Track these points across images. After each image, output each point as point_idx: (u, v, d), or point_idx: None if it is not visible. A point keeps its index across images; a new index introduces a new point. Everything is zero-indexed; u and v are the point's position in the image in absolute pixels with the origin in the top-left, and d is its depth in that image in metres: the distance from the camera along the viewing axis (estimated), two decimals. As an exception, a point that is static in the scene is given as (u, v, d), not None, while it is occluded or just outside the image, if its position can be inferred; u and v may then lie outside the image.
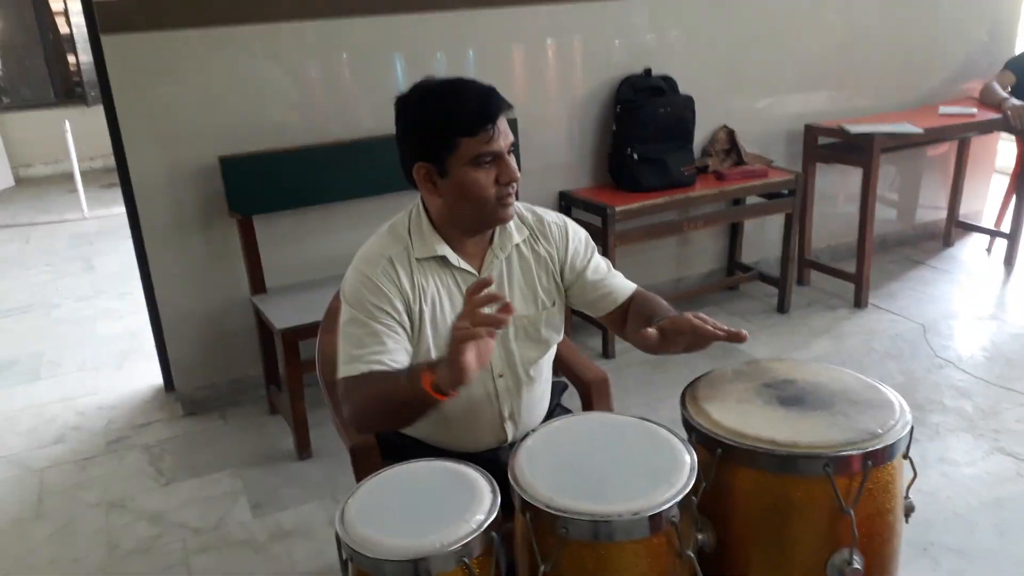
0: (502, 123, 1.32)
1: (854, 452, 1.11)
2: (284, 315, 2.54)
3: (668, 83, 3.18)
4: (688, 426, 1.24)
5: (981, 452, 2.47)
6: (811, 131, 3.58)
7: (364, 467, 1.48)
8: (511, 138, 1.34)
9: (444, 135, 1.30)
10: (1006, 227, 3.99)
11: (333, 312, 1.69)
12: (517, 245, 1.47)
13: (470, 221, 1.39)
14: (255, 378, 2.96)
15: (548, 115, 3.18)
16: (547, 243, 1.50)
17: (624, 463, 1.15)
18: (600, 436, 1.21)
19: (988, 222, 4.32)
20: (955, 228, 4.30)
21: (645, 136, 3.08)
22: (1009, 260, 3.95)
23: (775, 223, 3.60)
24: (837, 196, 3.93)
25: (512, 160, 1.34)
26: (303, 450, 2.62)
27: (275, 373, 2.84)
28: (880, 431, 1.14)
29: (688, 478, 1.09)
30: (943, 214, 4.30)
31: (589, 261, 1.53)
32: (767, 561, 1.19)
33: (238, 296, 2.84)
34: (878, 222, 3.59)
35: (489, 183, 1.32)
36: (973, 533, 2.12)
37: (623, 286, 1.54)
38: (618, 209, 2.97)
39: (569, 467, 1.14)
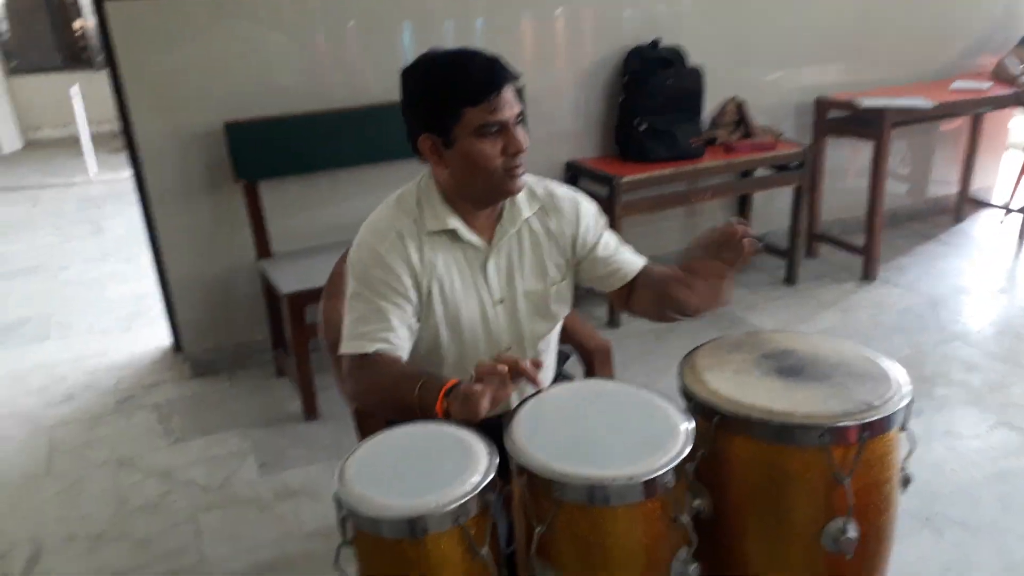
0: (508, 92, 1.29)
1: (850, 423, 1.12)
2: (290, 280, 2.55)
3: (677, 54, 3.14)
4: (686, 394, 1.24)
5: (987, 425, 2.48)
6: (822, 104, 3.54)
7: (368, 430, 1.50)
8: (518, 108, 1.31)
9: (448, 105, 1.28)
10: (1020, 203, 3.95)
11: (337, 277, 1.70)
12: (527, 220, 1.45)
13: (478, 193, 1.37)
14: (262, 341, 2.98)
15: (556, 84, 3.15)
16: (558, 218, 1.48)
17: (621, 429, 1.16)
18: (598, 403, 1.22)
19: (1000, 198, 4.28)
20: (967, 203, 4.26)
21: (653, 107, 3.06)
22: (1022, 235, 3.92)
23: (784, 196, 3.57)
24: (848, 170, 3.89)
25: (520, 130, 1.31)
26: (310, 412, 2.65)
27: (281, 337, 2.87)
28: (877, 403, 1.15)
29: (684, 445, 1.10)
30: (955, 189, 4.26)
31: (600, 238, 1.51)
32: (763, 529, 1.21)
33: (245, 261, 2.86)
34: (889, 196, 3.56)
35: (495, 154, 1.30)
36: (976, 506, 2.13)
37: (631, 262, 1.52)
38: (625, 180, 2.95)
39: (565, 432, 1.15)
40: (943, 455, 2.33)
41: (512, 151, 1.31)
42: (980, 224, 4.21)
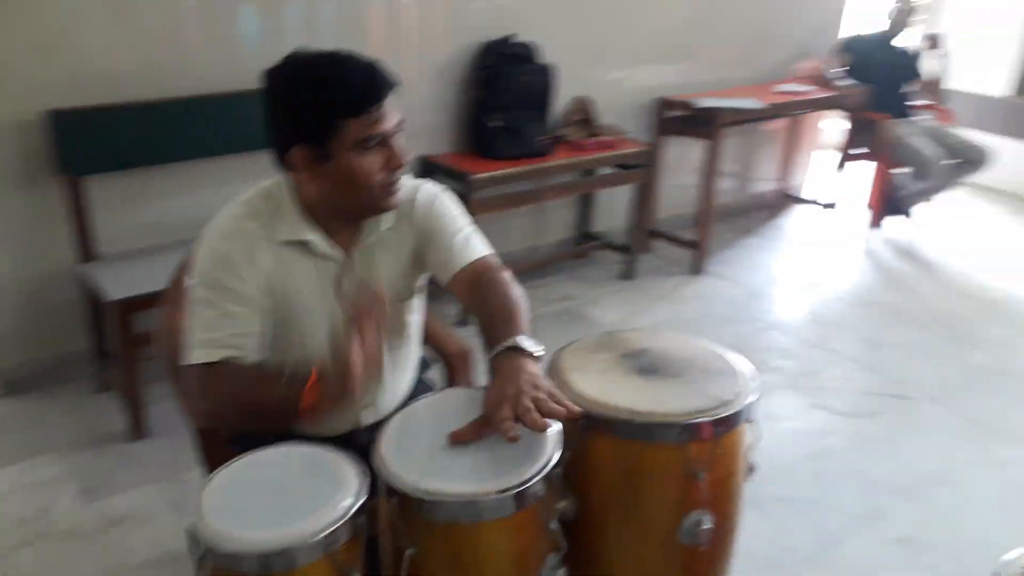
0: (389, 101, 1.22)
1: (705, 420, 1.18)
2: (118, 285, 2.34)
3: (530, 50, 3.17)
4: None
5: (802, 408, 2.71)
6: (662, 104, 3.71)
7: (208, 449, 1.40)
8: (399, 117, 1.25)
9: (326, 117, 1.19)
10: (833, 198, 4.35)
11: (178, 283, 1.57)
12: (387, 230, 1.38)
13: (352, 209, 1.29)
14: (83, 353, 2.71)
15: (410, 77, 3.08)
16: (415, 222, 1.39)
17: (488, 439, 1.14)
18: (464, 414, 1.20)
19: (811, 194, 4.69)
20: (784, 199, 4.64)
21: (504, 103, 3.07)
22: (832, 230, 4.31)
23: (624, 193, 3.72)
24: (681, 168, 4.11)
25: (401, 142, 1.25)
26: (138, 430, 2.44)
27: (105, 348, 2.62)
28: (729, 398, 1.22)
29: (552, 451, 1.10)
30: (773, 186, 4.62)
31: (453, 233, 1.40)
32: (624, 527, 1.25)
33: (65, 264, 2.58)
34: (717, 193, 3.80)
35: (376, 168, 1.22)
36: (795, 482, 2.33)
37: (465, 255, 1.37)
38: (476, 177, 2.95)
39: (434, 448, 1.12)
40: (765, 438, 2.52)
41: (393, 166, 1.24)
42: (794, 219, 4.59)
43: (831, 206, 4.42)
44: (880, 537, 2.14)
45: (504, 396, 1.10)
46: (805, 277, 3.84)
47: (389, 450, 1.11)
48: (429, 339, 1.75)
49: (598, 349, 1.37)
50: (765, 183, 4.62)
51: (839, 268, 3.94)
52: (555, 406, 1.09)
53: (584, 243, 3.85)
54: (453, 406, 1.22)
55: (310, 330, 1.34)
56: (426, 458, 1.09)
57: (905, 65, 4.15)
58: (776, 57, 4.26)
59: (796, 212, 4.65)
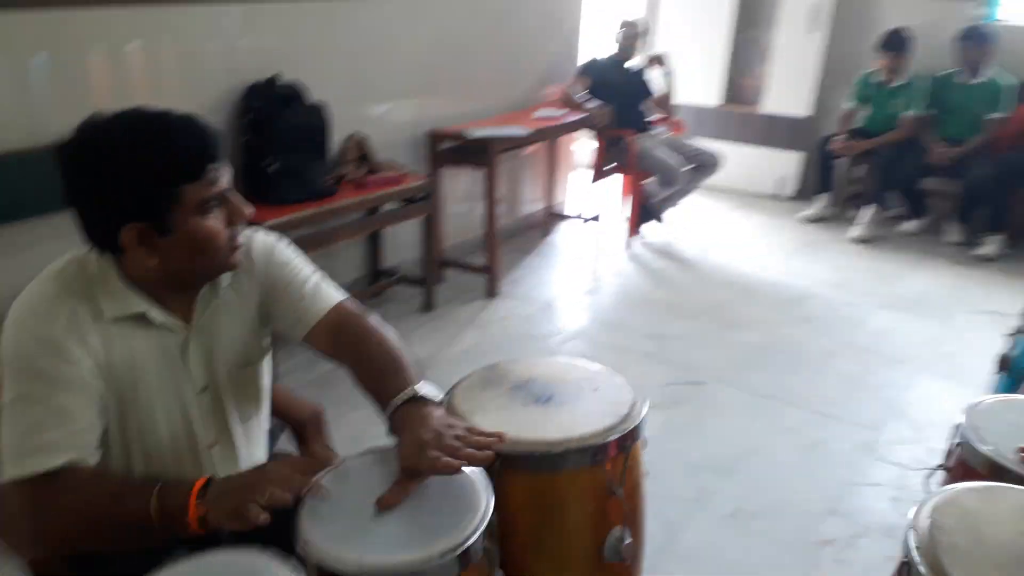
0: (220, 156, 1.12)
1: (616, 436, 1.19)
2: None
3: (297, 90, 3.04)
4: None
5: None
6: (434, 136, 3.75)
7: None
8: (229, 167, 1.14)
9: (162, 186, 1.05)
10: (594, 213, 4.67)
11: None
12: (225, 288, 1.25)
13: (196, 275, 1.16)
14: None
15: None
16: (255, 276, 1.27)
17: (417, 501, 1.05)
18: (379, 478, 1.09)
19: (574, 210, 5.00)
20: (551, 217, 4.90)
21: (280, 147, 2.92)
22: (598, 240, 4.64)
23: (408, 226, 3.70)
24: (457, 196, 4.18)
25: (237, 195, 1.15)
26: None
27: None
28: (629, 411, 1.24)
29: (487, 500, 1.05)
30: (541, 206, 4.87)
31: (301, 283, 1.30)
32: (549, 557, 1.23)
33: None
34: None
35: (221, 228, 1.12)
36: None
37: (320, 305, 1.29)
38: (267, 224, 2.75)
39: (361, 519, 1.02)
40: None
41: (237, 219, 1.13)
42: (564, 235, 4.87)
43: (594, 219, 4.75)
44: (714, 515, 2.32)
45: (423, 442, 1.04)
46: (585, 286, 4.08)
47: (315, 532, 0.98)
48: (274, 405, 1.60)
49: (485, 386, 1.33)
50: (532, 204, 4.85)
51: (612, 274, 4.24)
52: (481, 438, 1.05)
53: (378, 281, 3.76)
54: (364, 473, 1.12)
55: (153, 415, 1.18)
56: (358, 532, 0.99)
57: (637, 84, 4.60)
58: (527, 83, 4.50)
59: (564, 228, 4.93)
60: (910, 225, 4.81)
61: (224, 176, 1.12)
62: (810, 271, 4.23)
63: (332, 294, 1.31)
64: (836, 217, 4.95)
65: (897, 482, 2.48)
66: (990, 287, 4.03)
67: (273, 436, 1.55)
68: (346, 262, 3.65)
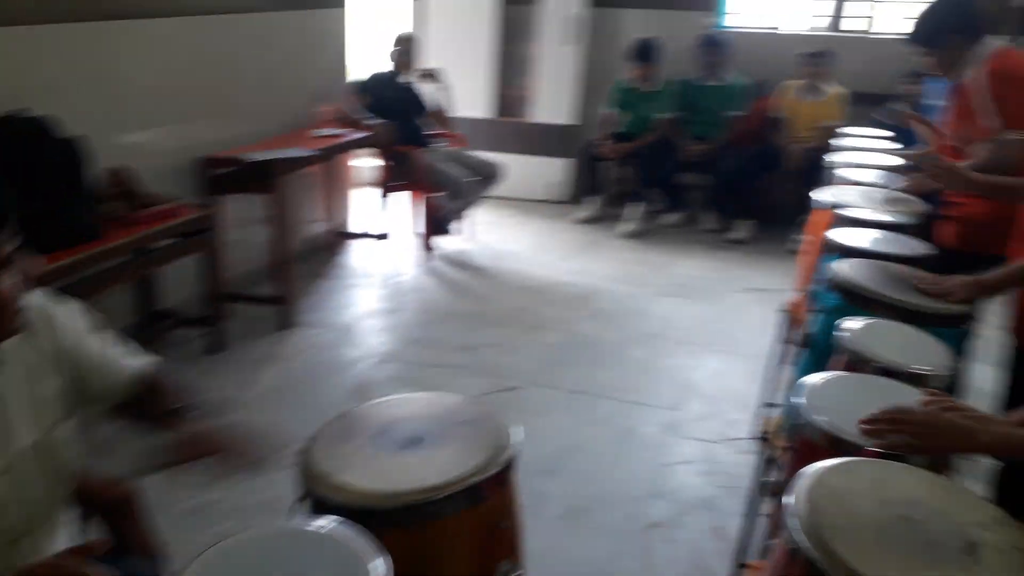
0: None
1: (498, 468, 1.16)
2: None
3: (46, 125, 2.65)
4: (328, 509, 1.09)
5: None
6: (208, 162, 3.46)
7: None
8: (13, 228, 1.05)
9: None
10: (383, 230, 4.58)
11: None
12: (10, 352, 1.10)
13: None
14: None
15: None
16: (48, 331, 1.16)
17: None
18: (273, 556, 0.96)
19: (359, 228, 4.87)
20: (336, 237, 4.74)
21: (32, 188, 2.53)
22: (392, 258, 4.57)
23: (184, 262, 3.38)
24: (232, 224, 3.89)
25: (25, 256, 1.06)
26: None
27: None
28: (505, 441, 1.22)
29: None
30: (324, 227, 4.69)
31: (100, 350, 1.25)
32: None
33: None
34: (272, 243, 3.70)
35: (4, 295, 1.02)
36: (552, 478, 2.52)
37: (126, 367, 1.29)
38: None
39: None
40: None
41: (21, 286, 1.05)
42: (353, 254, 4.73)
43: (384, 236, 4.67)
44: (550, 518, 2.37)
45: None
46: (385, 305, 4.00)
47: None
48: (78, 491, 1.38)
49: (343, 439, 1.24)
50: (315, 225, 4.66)
51: (411, 290, 4.20)
52: None
53: (155, 325, 3.39)
54: (251, 554, 0.98)
55: None
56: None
57: (413, 99, 4.60)
58: (298, 103, 4.31)
59: (352, 248, 4.80)
60: (671, 217, 5.28)
61: (8, 237, 1.03)
62: (592, 268, 4.49)
63: (136, 359, 1.31)
64: (607, 216, 5.29)
65: (705, 456, 2.70)
66: (746, 267, 4.54)
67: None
68: (113, 308, 3.25)
